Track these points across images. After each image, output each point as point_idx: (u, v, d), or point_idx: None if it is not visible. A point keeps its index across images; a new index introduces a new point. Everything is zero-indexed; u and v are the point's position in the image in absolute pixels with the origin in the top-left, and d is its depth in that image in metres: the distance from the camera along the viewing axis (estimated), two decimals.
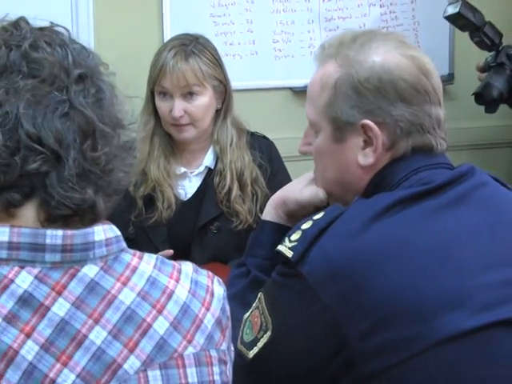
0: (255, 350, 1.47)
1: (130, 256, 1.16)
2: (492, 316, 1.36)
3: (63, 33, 1.19)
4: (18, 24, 1.16)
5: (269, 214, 1.79)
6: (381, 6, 3.49)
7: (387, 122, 1.50)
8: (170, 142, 2.69)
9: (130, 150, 1.19)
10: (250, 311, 1.52)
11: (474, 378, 1.36)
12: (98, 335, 1.08)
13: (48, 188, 1.10)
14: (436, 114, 1.53)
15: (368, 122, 1.50)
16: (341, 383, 1.39)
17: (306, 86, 3.28)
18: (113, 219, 2.82)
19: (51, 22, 1.20)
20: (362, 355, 1.35)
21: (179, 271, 1.19)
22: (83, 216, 1.13)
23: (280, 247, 1.44)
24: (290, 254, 1.41)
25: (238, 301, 1.59)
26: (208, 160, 2.70)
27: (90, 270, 1.11)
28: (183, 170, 2.70)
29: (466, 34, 3.41)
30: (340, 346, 1.36)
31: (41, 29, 1.17)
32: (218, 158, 2.68)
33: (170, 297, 1.15)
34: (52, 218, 1.12)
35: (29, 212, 1.11)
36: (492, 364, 1.37)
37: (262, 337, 1.46)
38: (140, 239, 2.63)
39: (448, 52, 3.58)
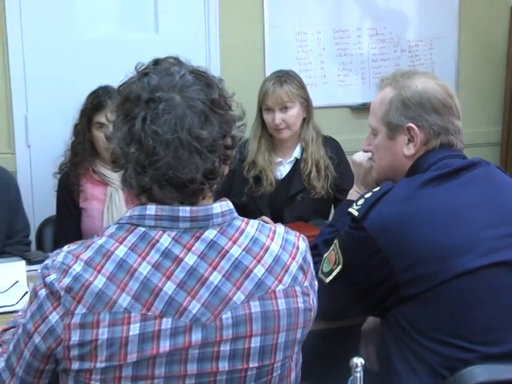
0: (330, 277, 1.47)
1: (240, 222, 1.14)
2: (491, 259, 1.34)
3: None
4: (160, 62, 1.16)
5: (353, 195, 1.78)
6: (409, 52, 3.43)
7: (424, 126, 1.49)
8: (271, 141, 2.68)
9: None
10: (328, 252, 1.52)
11: (479, 302, 1.33)
12: (215, 277, 1.08)
13: (168, 174, 1.07)
14: (457, 124, 1.52)
15: (412, 125, 1.49)
16: (388, 303, 1.38)
17: (359, 105, 3.38)
18: (233, 191, 2.83)
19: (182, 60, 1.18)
20: (404, 282, 1.34)
21: (274, 232, 1.17)
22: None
23: (350, 209, 1.44)
24: (356, 213, 1.41)
25: (326, 245, 1.60)
26: (296, 153, 2.67)
27: (211, 233, 1.09)
28: (280, 159, 2.68)
29: (468, 69, 3.33)
30: (388, 275, 1.35)
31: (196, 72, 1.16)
32: (303, 151, 2.66)
33: (266, 251, 1.13)
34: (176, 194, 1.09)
35: (160, 192, 1.08)
36: (490, 293, 1.34)
37: (336, 268, 1.46)
38: (250, 205, 2.64)
39: (454, 81, 3.48)
